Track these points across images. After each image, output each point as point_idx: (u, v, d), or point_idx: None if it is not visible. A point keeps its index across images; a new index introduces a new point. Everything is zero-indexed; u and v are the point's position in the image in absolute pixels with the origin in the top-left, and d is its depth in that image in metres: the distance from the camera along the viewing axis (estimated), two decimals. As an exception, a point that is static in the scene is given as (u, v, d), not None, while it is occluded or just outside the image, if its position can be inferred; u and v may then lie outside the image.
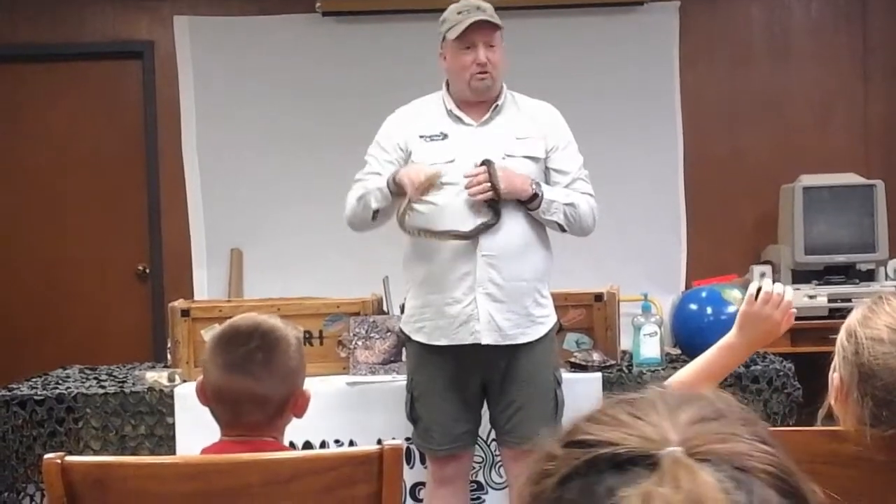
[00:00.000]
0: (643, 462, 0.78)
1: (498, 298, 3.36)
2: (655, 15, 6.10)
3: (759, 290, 2.07)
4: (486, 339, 3.37)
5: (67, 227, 6.24)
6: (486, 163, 3.34)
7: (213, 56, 6.11)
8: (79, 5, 6.19)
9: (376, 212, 3.44)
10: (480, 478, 3.86)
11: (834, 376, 1.81)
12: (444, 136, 3.43)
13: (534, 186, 3.36)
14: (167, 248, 6.20)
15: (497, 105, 3.48)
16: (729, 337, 2.08)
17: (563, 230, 3.45)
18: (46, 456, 1.92)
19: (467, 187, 3.32)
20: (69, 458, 1.92)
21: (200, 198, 6.11)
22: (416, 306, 3.47)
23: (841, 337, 1.80)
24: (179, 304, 4.07)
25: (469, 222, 3.35)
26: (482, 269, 3.35)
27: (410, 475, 3.75)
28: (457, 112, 3.47)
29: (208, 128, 6.11)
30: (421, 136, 3.45)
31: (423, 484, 3.75)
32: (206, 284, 6.07)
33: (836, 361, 1.80)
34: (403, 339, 3.61)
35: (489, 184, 3.30)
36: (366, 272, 4.81)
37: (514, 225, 3.38)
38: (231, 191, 6.08)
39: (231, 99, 6.08)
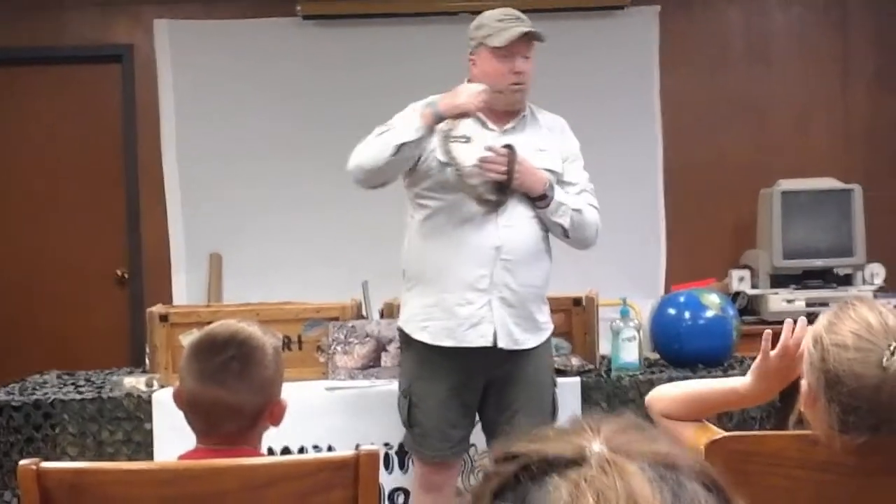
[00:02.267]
0: (571, 464, 0.82)
1: (511, 303, 3.35)
2: (635, 19, 6.11)
3: (772, 337, 1.96)
4: (501, 342, 3.34)
5: (46, 231, 6.22)
6: (509, 148, 3.34)
7: (192, 60, 6.10)
8: (58, 9, 6.17)
9: (400, 146, 3.27)
10: (459, 483, 3.85)
11: (802, 382, 1.81)
12: (468, 140, 3.40)
13: (546, 187, 3.36)
14: (146, 253, 6.19)
15: (524, 116, 3.48)
16: (741, 385, 2.02)
17: (567, 236, 3.44)
18: (22, 462, 1.91)
19: (482, 160, 3.31)
20: (45, 465, 1.91)
21: (180, 202, 6.10)
22: (423, 305, 3.39)
23: (808, 343, 1.80)
24: (158, 309, 4.06)
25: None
26: (499, 273, 3.33)
27: (390, 480, 3.74)
28: (482, 116, 3.45)
29: (188, 132, 6.09)
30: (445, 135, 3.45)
31: (402, 490, 3.75)
32: (186, 289, 6.06)
33: (804, 368, 1.81)
34: (403, 341, 3.51)
35: (504, 168, 3.31)
36: (345, 277, 4.80)
37: (530, 231, 3.38)
38: (211, 195, 6.06)
39: (211, 103, 6.07)
